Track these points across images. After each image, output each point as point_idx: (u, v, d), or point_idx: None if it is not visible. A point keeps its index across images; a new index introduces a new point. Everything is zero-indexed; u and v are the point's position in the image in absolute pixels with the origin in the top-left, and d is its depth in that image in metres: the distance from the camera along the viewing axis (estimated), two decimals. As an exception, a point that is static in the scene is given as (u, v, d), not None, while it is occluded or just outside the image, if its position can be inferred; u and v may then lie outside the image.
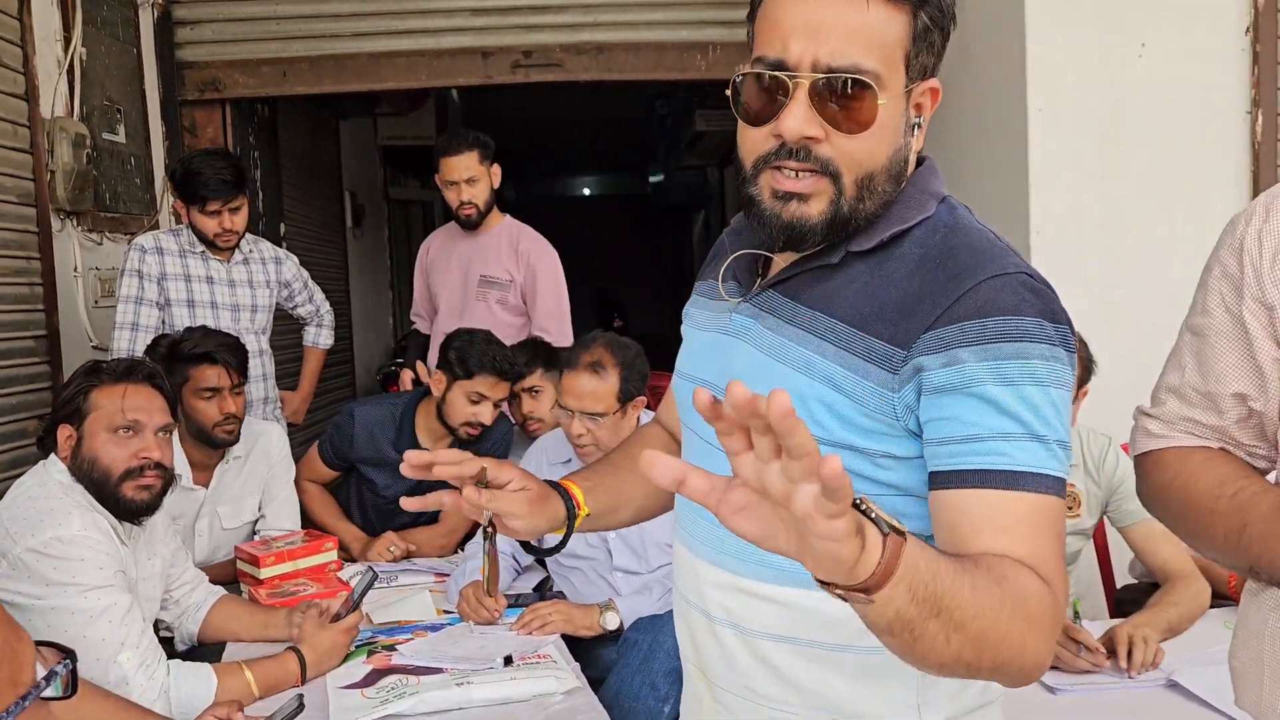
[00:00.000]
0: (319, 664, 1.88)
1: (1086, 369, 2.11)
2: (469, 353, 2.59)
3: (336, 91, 4.17)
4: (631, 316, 12.35)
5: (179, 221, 3.11)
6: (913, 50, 0.94)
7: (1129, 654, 1.75)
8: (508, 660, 1.87)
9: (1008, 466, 0.89)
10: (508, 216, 3.36)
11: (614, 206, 13.64)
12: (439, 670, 1.85)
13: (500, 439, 2.76)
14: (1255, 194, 3.13)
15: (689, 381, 1.11)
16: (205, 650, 2.09)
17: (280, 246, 3.66)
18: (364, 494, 2.83)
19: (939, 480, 0.92)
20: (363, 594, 1.98)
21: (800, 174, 0.94)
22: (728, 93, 0.98)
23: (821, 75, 0.91)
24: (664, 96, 9.35)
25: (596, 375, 2.25)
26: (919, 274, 0.94)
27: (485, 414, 2.62)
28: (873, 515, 0.72)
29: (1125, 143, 3.09)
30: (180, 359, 2.42)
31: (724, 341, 1.06)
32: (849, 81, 0.91)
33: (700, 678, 1.12)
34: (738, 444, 0.67)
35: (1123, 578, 2.54)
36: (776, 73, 0.93)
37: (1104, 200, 3.10)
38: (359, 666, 1.91)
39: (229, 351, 2.47)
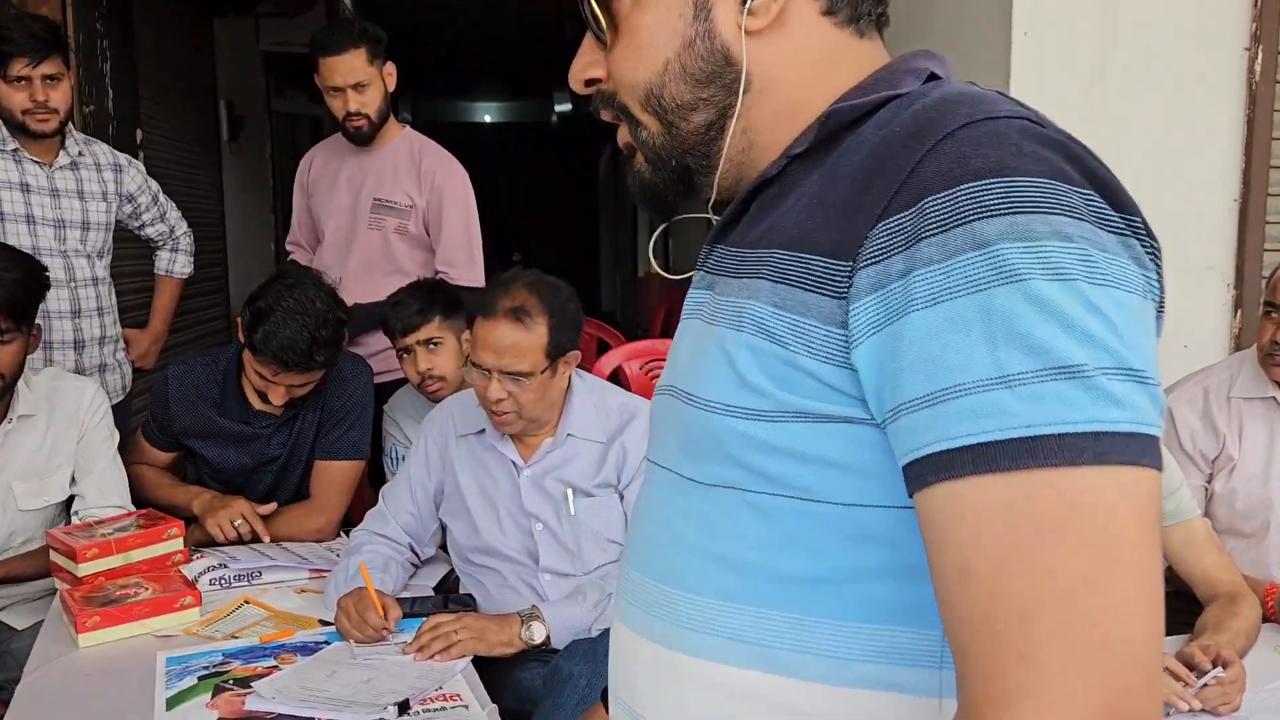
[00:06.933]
0: None
1: None
2: (260, 321, 2.04)
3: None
4: (533, 252, 11.79)
5: None
6: None
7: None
8: (403, 707, 1.42)
9: (1007, 432, 0.55)
10: (408, 128, 2.80)
11: (515, 135, 12.97)
12: (309, 722, 1.39)
13: (357, 396, 2.25)
14: (1250, 141, 2.85)
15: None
16: None
17: (137, 157, 3.05)
18: (202, 476, 2.30)
19: (914, 475, 0.59)
20: None
21: (617, 125, 0.78)
22: None
23: None
24: (574, 18, 8.76)
25: (520, 325, 1.78)
26: (873, 156, 0.65)
27: (274, 396, 2.10)
28: None
29: (1112, 81, 2.75)
30: None
31: (682, 327, 0.80)
32: None
33: None
34: None
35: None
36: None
37: (1088, 141, 2.76)
38: (200, 712, 1.43)
39: None
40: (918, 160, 0.61)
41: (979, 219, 0.57)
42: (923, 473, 0.58)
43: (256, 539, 2.08)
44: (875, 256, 0.61)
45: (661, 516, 0.75)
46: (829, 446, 0.64)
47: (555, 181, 13.09)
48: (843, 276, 0.63)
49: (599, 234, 11.78)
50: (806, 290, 0.65)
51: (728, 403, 0.68)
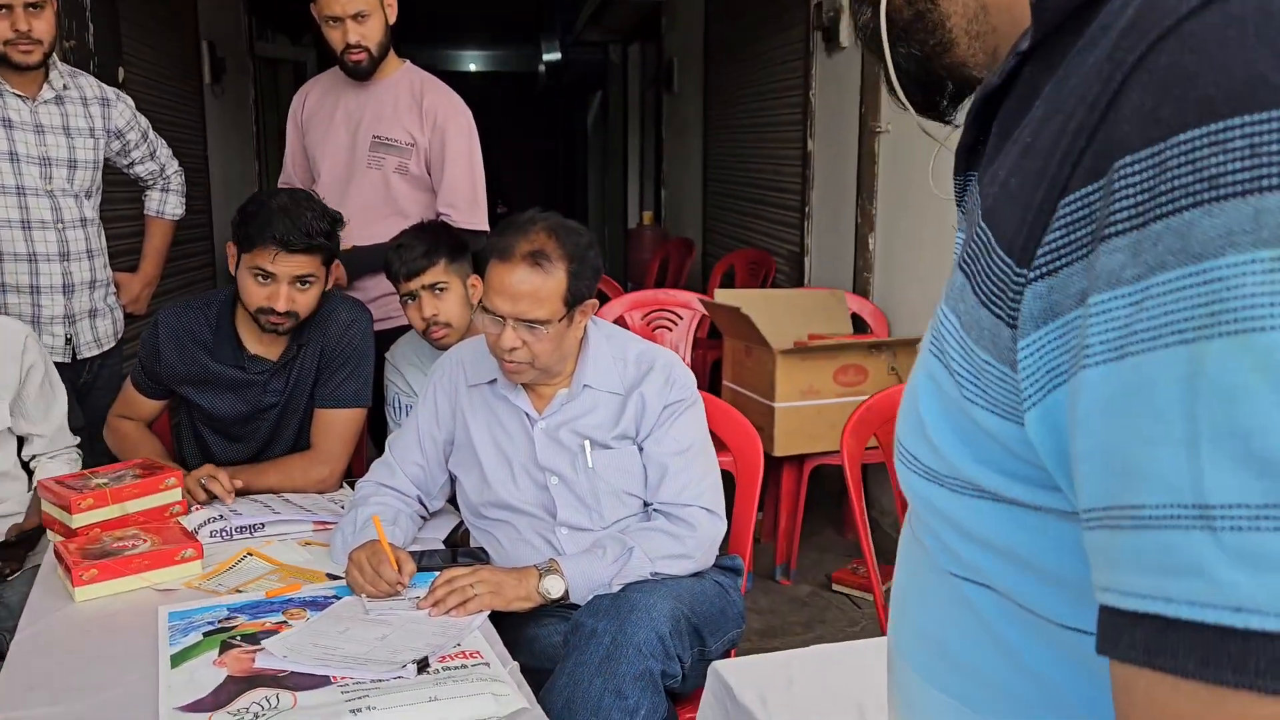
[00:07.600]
0: None
1: None
2: (251, 218, 1.95)
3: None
4: (519, 205, 11.62)
5: None
6: None
7: None
8: (422, 665, 1.36)
9: (1199, 610, 0.33)
10: (408, 62, 2.68)
11: (502, 84, 12.75)
12: (324, 680, 1.32)
13: (356, 341, 2.14)
14: None
15: None
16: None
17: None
18: (197, 426, 2.21)
19: (1101, 631, 0.38)
20: None
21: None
22: None
23: None
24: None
25: (538, 269, 1.69)
26: (1098, 64, 0.39)
27: (278, 299, 1.96)
28: None
29: None
30: None
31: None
32: None
33: None
34: None
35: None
36: None
37: None
38: (208, 669, 1.36)
39: None
40: (1119, 83, 0.36)
41: (1195, 204, 0.33)
42: (1099, 629, 0.37)
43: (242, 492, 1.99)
44: (1052, 260, 0.38)
45: (902, 573, 0.58)
46: (1020, 541, 0.44)
47: (542, 133, 12.87)
48: (1014, 290, 0.40)
49: (588, 186, 11.62)
50: (982, 303, 0.42)
51: (912, 451, 0.50)
